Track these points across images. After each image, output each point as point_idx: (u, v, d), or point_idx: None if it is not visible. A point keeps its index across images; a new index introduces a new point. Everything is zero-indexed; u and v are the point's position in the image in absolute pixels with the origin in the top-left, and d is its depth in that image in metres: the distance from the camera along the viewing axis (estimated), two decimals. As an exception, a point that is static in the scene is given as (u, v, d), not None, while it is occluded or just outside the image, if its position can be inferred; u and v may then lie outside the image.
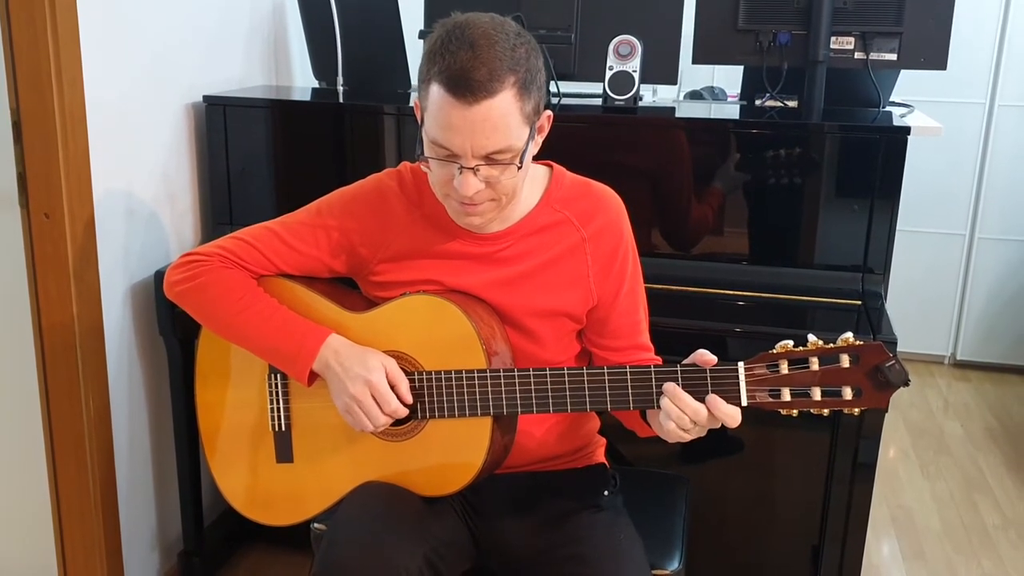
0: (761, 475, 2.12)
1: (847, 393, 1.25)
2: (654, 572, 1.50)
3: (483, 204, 1.34)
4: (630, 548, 1.45)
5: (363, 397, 1.35)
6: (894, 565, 2.53)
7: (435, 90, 1.27)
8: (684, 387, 1.29)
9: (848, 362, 1.25)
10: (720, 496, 2.12)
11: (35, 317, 1.87)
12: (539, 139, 1.38)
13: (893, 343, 1.74)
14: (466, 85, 1.24)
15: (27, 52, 1.73)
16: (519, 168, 1.31)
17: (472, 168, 1.28)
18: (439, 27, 1.30)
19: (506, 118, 1.26)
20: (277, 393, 1.50)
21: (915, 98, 2.53)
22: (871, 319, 1.84)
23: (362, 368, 1.36)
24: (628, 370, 1.33)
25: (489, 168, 1.30)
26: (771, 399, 1.27)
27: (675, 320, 1.82)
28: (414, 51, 2.38)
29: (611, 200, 1.49)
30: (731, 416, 1.28)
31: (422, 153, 1.34)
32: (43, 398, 1.92)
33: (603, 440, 1.66)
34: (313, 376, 1.41)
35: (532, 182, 1.46)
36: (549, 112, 1.38)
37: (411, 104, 2.17)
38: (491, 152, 1.28)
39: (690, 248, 2.05)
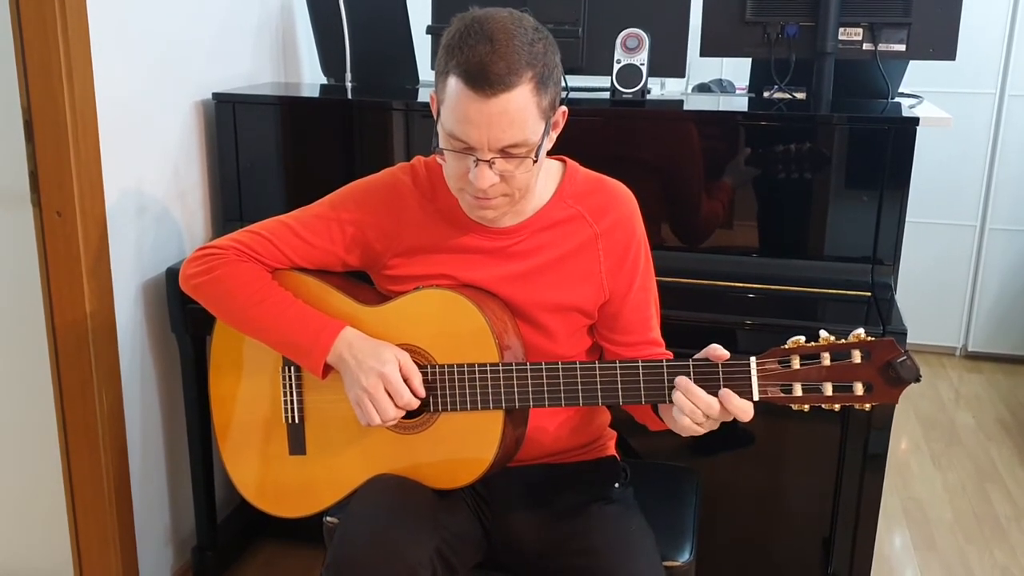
0: (771, 467, 2.12)
1: (858, 389, 1.25)
2: (665, 564, 1.50)
3: (497, 198, 1.34)
4: (641, 540, 1.45)
5: (375, 390, 1.36)
6: (906, 556, 2.53)
7: (452, 83, 1.27)
8: (696, 382, 1.30)
9: (860, 358, 1.24)
10: (730, 488, 2.12)
11: (48, 314, 1.88)
12: (554, 135, 1.39)
13: (903, 335, 1.74)
14: (484, 78, 1.24)
15: (37, 50, 1.74)
16: (534, 162, 1.32)
17: (488, 161, 1.29)
18: (457, 20, 1.30)
19: (523, 112, 1.27)
20: (291, 385, 1.50)
21: (924, 89, 2.52)
22: (881, 311, 1.84)
23: (376, 361, 1.37)
24: (640, 364, 1.33)
25: (504, 162, 1.30)
26: (783, 394, 1.28)
27: (684, 313, 1.82)
28: (422, 47, 2.38)
29: (624, 196, 1.49)
30: (743, 410, 1.28)
31: (437, 146, 1.34)
32: (56, 395, 1.93)
33: (614, 433, 1.66)
34: (327, 369, 1.42)
35: (546, 177, 1.46)
36: (564, 108, 1.39)
37: (419, 100, 2.21)
38: (507, 146, 1.28)
39: (699, 241, 2.05)
